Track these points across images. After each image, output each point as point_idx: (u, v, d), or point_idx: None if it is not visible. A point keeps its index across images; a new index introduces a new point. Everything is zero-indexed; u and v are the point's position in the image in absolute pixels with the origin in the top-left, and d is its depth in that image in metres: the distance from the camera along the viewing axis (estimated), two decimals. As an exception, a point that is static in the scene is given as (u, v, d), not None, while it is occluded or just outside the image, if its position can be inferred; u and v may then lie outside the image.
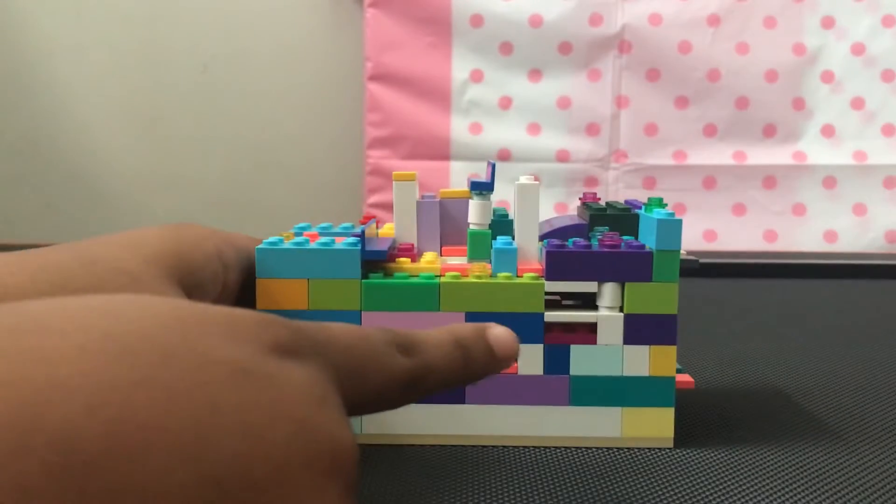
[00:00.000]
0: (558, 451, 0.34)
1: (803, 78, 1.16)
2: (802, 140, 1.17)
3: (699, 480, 0.32)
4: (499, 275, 0.34)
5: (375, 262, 0.35)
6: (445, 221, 0.39)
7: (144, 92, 1.29)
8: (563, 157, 1.19)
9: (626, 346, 0.34)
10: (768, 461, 0.33)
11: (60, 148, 1.29)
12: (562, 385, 0.34)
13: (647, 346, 0.33)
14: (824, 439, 0.36)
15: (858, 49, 1.15)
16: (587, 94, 1.18)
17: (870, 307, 0.67)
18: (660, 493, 0.30)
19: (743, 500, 0.30)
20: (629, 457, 0.34)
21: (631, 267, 0.33)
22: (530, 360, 0.34)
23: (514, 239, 0.36)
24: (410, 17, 1.18)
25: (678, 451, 0.34)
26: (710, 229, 1.16)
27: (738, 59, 1.16)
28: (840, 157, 1.16)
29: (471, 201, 0.37)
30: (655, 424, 0.34)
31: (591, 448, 0.34)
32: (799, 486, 0.31)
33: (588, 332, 0.34)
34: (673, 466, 0.33)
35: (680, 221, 0.33)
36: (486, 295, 0.33)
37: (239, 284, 0.33)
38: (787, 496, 0.30)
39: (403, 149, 1.19)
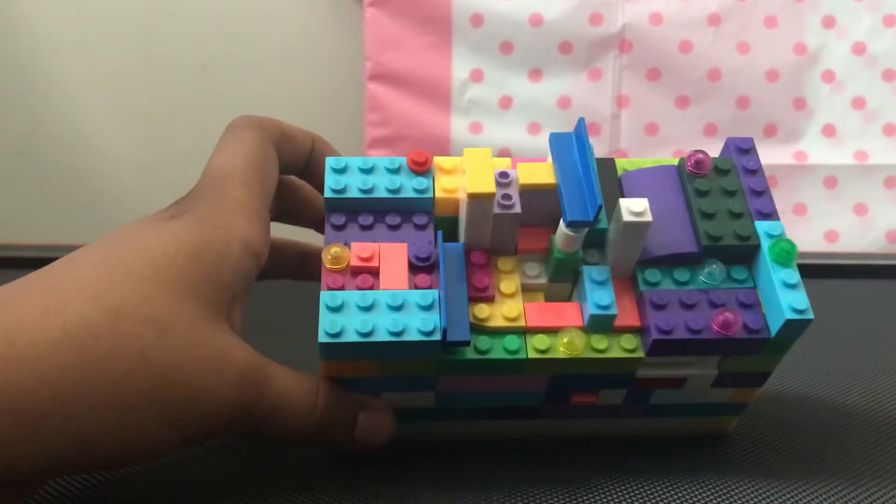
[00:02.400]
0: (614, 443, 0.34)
1: (804, 78, 1.16)
2: (803, 140, 1.16)
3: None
4: (593, 343, 0.29)
5: None
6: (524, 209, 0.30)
7: (144, 92, 1.29)
8: (563, 156, 1.19)
9: (712, 388, 0.32)
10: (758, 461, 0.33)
11: (60, 148, 1.29)
12: (637, 411, 0.33)
13: (732, 389, 0.32)
14: (825, 442, 0.36)
15: (859, 49, 1.15)
16: (587, 93, 1.18)
17: (870, 307, 0.66)
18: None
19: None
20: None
21: (741, 348, 0.29)
22: (612, 396, 0.31)
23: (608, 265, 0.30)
24: (410, 17, 1.18)
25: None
26: (710, 229, 1.16)
27: (738, 58, 1.16)
28: (841, 156, 1.15)
29: (566, 233, 0.29)
30: (721, 427, 0.35)
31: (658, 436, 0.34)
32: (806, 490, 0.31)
33: (678, 380, 0.31)
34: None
35: (809, 321, 0.28)
36: (577, 365, 0.29)
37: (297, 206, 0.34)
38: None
39: (403, 148, 1.19)
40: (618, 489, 0.31)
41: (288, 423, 0.28)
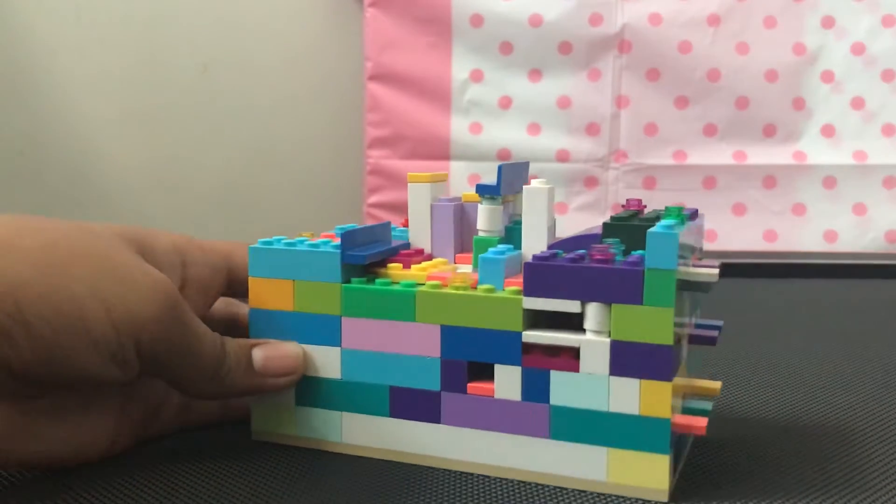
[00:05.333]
0: (537, 488, 0.31)
1: (803, 78, 1.16)
2: (802, 140, 1.16)
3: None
4: (480, 287, 0.32)
5: (374, 266, 0.34)
6: (468, 226, 0.37)
7: (144, 92, 1.29)
8: (563, 157, 1.19)
9: (612, 378, 0.29)
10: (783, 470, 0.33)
11: (60, 148, 1.29)
12: (541, 414, 0.31)
13: (637, 380, 0.29)
14: (827, 445, 0.36)
15: (858, 49, 1.15)
16: (587, 93, 1.18)
17: (870, 307, 0.66)
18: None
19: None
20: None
21: (619, 286, 0.29)
22: (508, 383, 0.31)
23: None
24: (410, 17, 1.18)
25: None
26: (710, 229, 1.16)
27: (738, 58, 1.16)
28: (840, 156, 1.15)
29: (479, 206, 0.35)
30: (647, 472, 0.29)
31: (573, 490, 0.31)
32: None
33: (572, 358, 0.30)
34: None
35: (675, 236, 0.28)
36: (462, 308, 0.31)
37: (221, 285, 0.36)
38: None
39: (403, 149, 1.19)
40: None
41: (200, 356, 0.31)
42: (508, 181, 0.35)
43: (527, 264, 0.30)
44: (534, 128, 1.19)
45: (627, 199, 0.37)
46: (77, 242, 0.29)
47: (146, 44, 1.28)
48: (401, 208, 1.19)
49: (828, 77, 1.16)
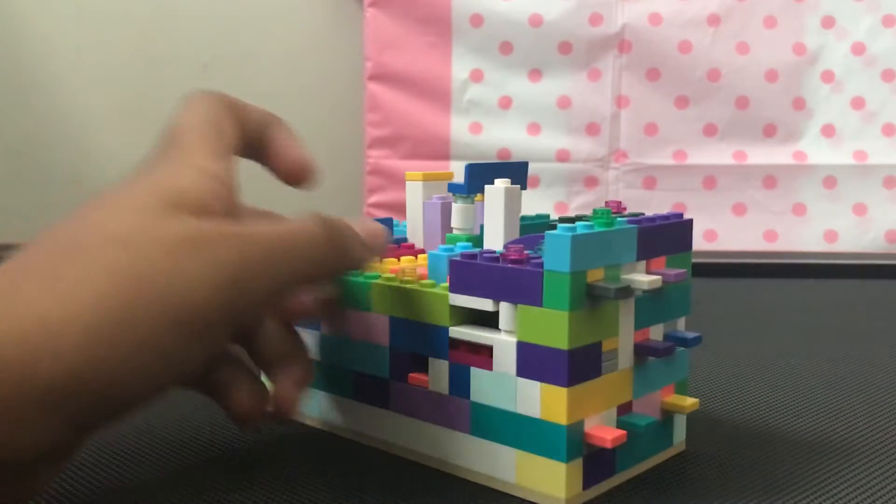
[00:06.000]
0: (456, 481, 0.31)
1: (803, 78, 1.16)
2: (803, 140, 1.16)
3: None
4: (421, 282, 0.32)
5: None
6: None
7: (144, 92, 1.29)
8: (563, 156, 1.19)
9: (518, 379, 0.29)
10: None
11: (60, 148, 1.29)
12: (464, 410, 0.31)
13: (538, 383, 0.29)
14: (825, 446, 0.36)
15: (859, 49, 1.15)
16: (587, 93, 1.18)
17: (870, 307, 0.66)
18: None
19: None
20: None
21: (521, 287, 0.29)
22: (438, 376, 0.32)
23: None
24: (410, 17, 1.18)
25: None
26: (710, 229, 1.16)
27: (738, 58, 1.16)
28: (840, 156, 1.15)
29: (453, 205, 0.36)
30: (547, 478, 0.29)
31: (487, 488, 0.30)
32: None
33: (488, 356, 0.30)
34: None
35: (568, 238, 0.27)
36: (404, 301, 0.33)
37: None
38: None
39: (403, 149, 1.19)
40: None
41: (294, 250, 0.27)
42: (480, 181, 0.36)
43: (450, 261, 0.31)
44: (534, 128, 1.19)
45: (606, 202, 0.36)
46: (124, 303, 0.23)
47: (146, 43, 1.28)
48: (401, 208, 1.18)
49: (828, 77, 1.16)
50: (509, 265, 0.29)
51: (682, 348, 0.33)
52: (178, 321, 0.23)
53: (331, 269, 0.30)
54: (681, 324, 0.34)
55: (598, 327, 0.29)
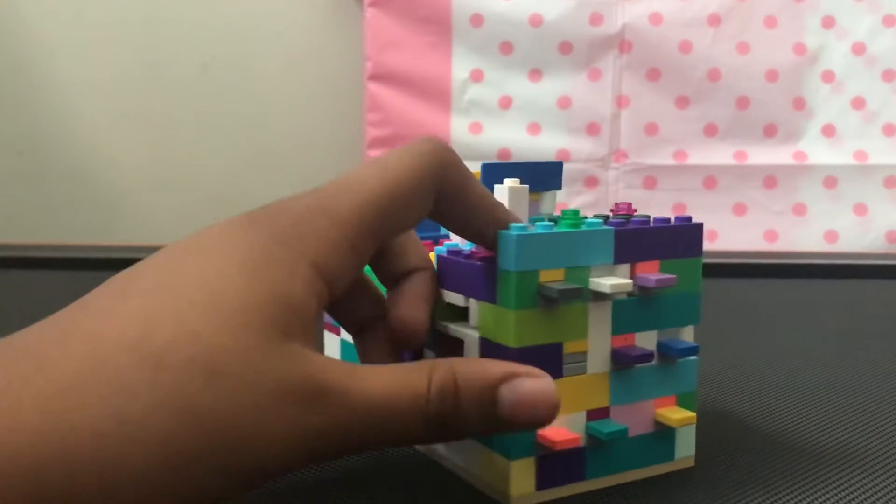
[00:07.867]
0: (440, 469, 0.31)
1: (804, 78, 1.16)
2: (803, 140, 1.16)
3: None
4: None
5: None
6: None
7: (144, 92, 1.29)
8: (563, 156, 1.19)
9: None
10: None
11: (60, 148, 1.29)
12: None
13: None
14: (825, 447, 0.36)
15: (859, 49, 1.15)
16: (587, 93, 1.18)
17: (870, 307, 0.66)
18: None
19: None
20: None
21: (480, 284, 0.29)
22: None
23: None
24: (410, 17, 1.18)
25: None
26: (710, 229, 1.16)
27: (738, 58, 1.16)
28: (841, 156, 1.15)
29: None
30: (499, 475, 0.29)
31: (464, 482, 0.30)
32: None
33: (461, 351, 0.30)
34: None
35: (514, 237, 0.27)
36: None
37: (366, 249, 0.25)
38: None
39: (403, 149, 1.19)
40: None
41: (386, 431, 0.23)
42: (494, 180, 0.36)
43: (437, 257, 0.31)
44: (534, 128, 1.19)
45: (616, 203, 0.35)
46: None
47: (146, 44, 1.28)
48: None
49: (828, 77, 1.15)
50: (475, 262, 0.30)
51: (691, 358, 0.32)
52: (242, 477, 0.21)
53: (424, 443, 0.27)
54: (687, 333, 0.32)
55: (558, 328, 0.28)
